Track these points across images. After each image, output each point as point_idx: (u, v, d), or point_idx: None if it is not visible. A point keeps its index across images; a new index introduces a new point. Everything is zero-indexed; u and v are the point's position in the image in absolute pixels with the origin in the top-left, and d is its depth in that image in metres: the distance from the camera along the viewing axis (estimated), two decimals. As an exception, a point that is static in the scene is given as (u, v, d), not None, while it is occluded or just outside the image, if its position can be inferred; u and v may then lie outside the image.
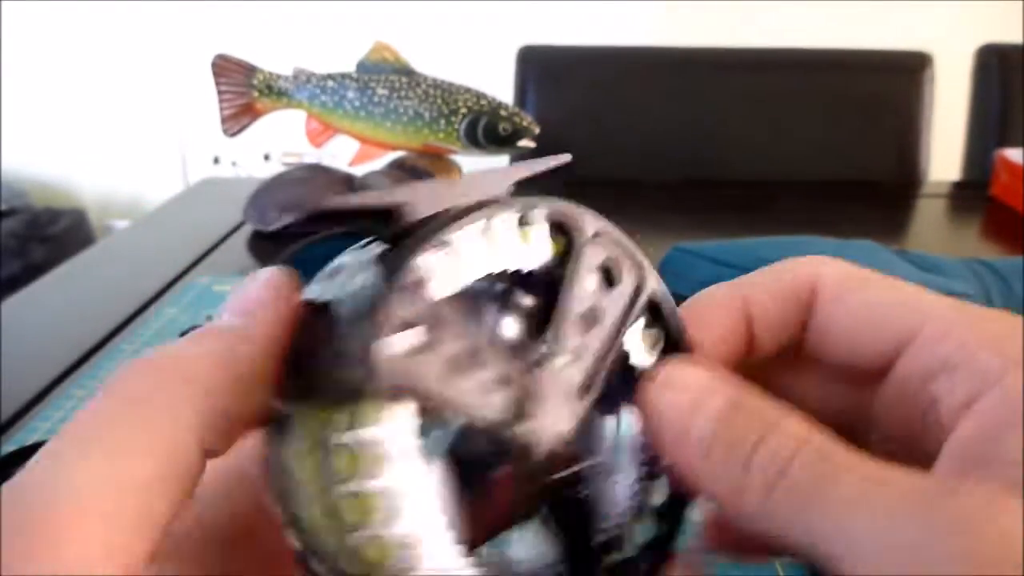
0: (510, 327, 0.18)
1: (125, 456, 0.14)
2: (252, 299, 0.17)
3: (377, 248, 0.17)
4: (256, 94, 0.77)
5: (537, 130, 0.77)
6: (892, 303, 0.19)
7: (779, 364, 0.21)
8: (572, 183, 1.00)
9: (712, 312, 0.20)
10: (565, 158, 0.20)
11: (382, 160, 0.81)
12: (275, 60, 0.83)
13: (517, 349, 0.18)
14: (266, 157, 2.02)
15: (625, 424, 0.20)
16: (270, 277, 0.18)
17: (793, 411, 0.17)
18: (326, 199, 0.17)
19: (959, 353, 0.17)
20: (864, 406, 0.20)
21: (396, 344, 0.15)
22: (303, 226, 0.76)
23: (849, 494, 0.15)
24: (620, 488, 0.20)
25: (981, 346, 0.17)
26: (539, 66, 1.16)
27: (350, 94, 0.76)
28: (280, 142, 1.93)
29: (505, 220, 0.18)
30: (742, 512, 0.16)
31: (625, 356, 0.19)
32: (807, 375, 0.21)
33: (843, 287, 0.19)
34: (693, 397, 0.17)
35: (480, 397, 0.17)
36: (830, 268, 0.20)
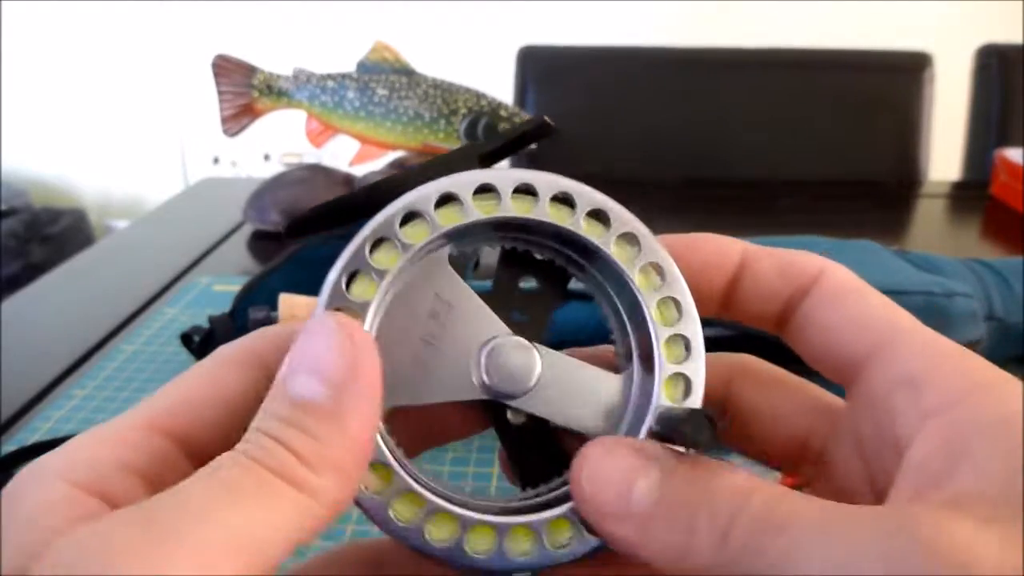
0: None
1: None
2: (337, 368, 0.17)
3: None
4: (256, 94, 0.77)
5: (537, 130, 0.77)
6: (880, 312, 0.19)
7: (747, 381, 0.22)
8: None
9: (707, 243, 0.21)
10: (541, 120, 0.21)
11: (382, 160, 0.81)
12: (275, 60, 0.83)
13: None
14: (266, 157, 2.02)
15: None
16: (349, 340, 0.17)
17: (733, 467, 0.17)
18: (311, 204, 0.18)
19: (925, 369, 0.17)
20: (823, 429, 0.21)
21: None
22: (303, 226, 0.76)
23: (806, 526, 0.15)
24: None
25: (948, 366, 0.17)
26: (539, 66, 1.16)
27: (350, 94, 0.76)
28: (280, 142, 1.93)
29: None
30: (695, 569, 0.16)
31: None
32: (774, 392, 0.22)
33: (841, 290, 0.20)
34: (628, 471, 0.18)
35: None
36: (836, 268, 0.20)
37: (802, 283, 0.20)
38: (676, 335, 0.20)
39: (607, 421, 0.21)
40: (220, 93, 0.77)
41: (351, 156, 0.78)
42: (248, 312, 0.49)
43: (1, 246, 1.79)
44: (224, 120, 0.78)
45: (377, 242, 0.19)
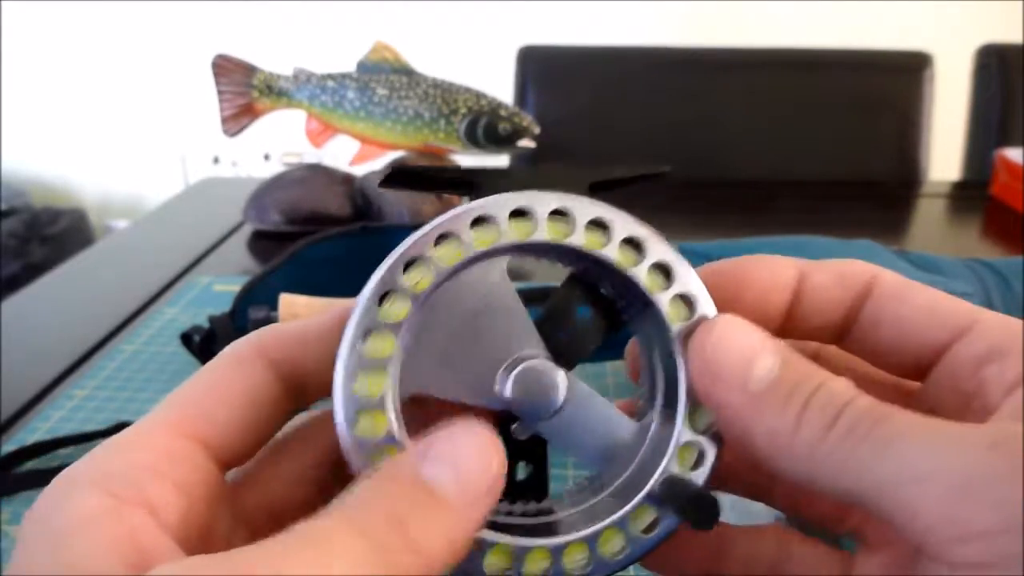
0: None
1: None
2: (473, 473, 0.17)
3: None
4: (256, 94, 0.77)
5: (537, 130, 0.77)
6: (948, 302, 0.20)
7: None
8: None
9: (761, 267, 0.21)
10: (662, 169, 0.21)
11: (382, 160, 0.81)
12: (275, 60, 0.83)
13: None
14: (266, 157, 2.02)
15: None
16: (494, 458, 0.17)
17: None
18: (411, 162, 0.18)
19: (1010, 340, 0.18)
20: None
21: None
22: (303, 226, 0.76)
23: (906, 431, 0.16)
24: None
25: None
26: (539, 66, 1.16)
27: (350, 94, 0.76)
28: (280, 142, 1.93)
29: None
30: (792, 457, 0.18)
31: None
32: (853, 364, 0.22)
33: (903, 286, 0.21)
34: (751, 348, 0.19)
35: None
36: (885, 271, 0.21)
37: (860, 289, 0.21)
38: (706, 408, 0.21)
39: (613, 465, 0.21)
40: (220, 93, 0.77)
41: (351, 156, 0.78)
42: (248, 312, 0.49)
43: (1, 246, 1.79)
44: (224, 120, 0.78)
45: (411, 262, 0.19)
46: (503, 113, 0.75)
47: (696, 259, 0.33)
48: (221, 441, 0.19)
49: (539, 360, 0.20)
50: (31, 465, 0.43)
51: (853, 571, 0.20)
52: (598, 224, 0.20)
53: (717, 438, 0.21)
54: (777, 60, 1.17)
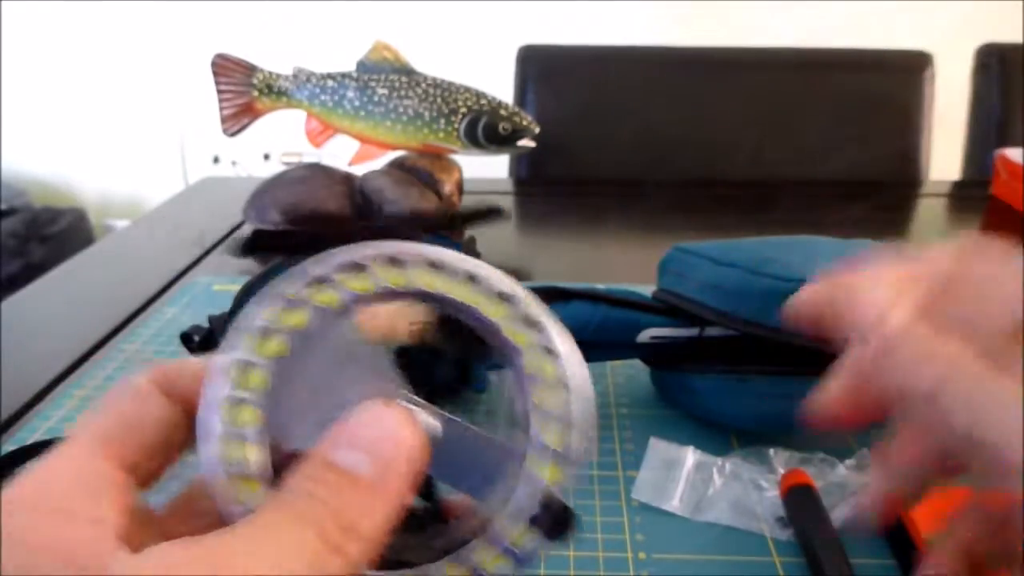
0: None
1: None
2: (387, 449, 0.19)
3: None
4: (256, 94, 0.77)
5: (537, 130, 0.77)
6: None
7: None
8: (572, 183, 1.00)
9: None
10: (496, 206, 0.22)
11: (382, 160, 0.81)
12: (275, 60, 0.83)
13: None
14: (266, 157, 2.02)
15: None
16: (404, 428, 0.19)
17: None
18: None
19: None
20: None
21: None
22: (303, 225, 0.76)
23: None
24: None
25: None
26: (539, 66, 1.16)
27: (350, 94, 0.76)
28: (280, 142, 1.93)
29: None
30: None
31: None
32: None
33: None
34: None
35: None
36: None
37: None
38: (560, 417, 0.21)
39: (497, 489, 0.22)
40: (220, 93, 0.77)
41: (351, 156, 0.78)
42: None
43: (1, 246, 1.79)
44: (224, 120, 0.78)
45: (290, 303, 0.20)
46: (503, 113, 0.75)
47: (696, 259, 0.33)
48: (137, 463, 0.20)
49: (403, 400, 0.21)
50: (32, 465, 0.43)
51: None
52: (474, 277, 0.21)
53: (572, 456, 0.21)
54: (777, 60, 1.17)
